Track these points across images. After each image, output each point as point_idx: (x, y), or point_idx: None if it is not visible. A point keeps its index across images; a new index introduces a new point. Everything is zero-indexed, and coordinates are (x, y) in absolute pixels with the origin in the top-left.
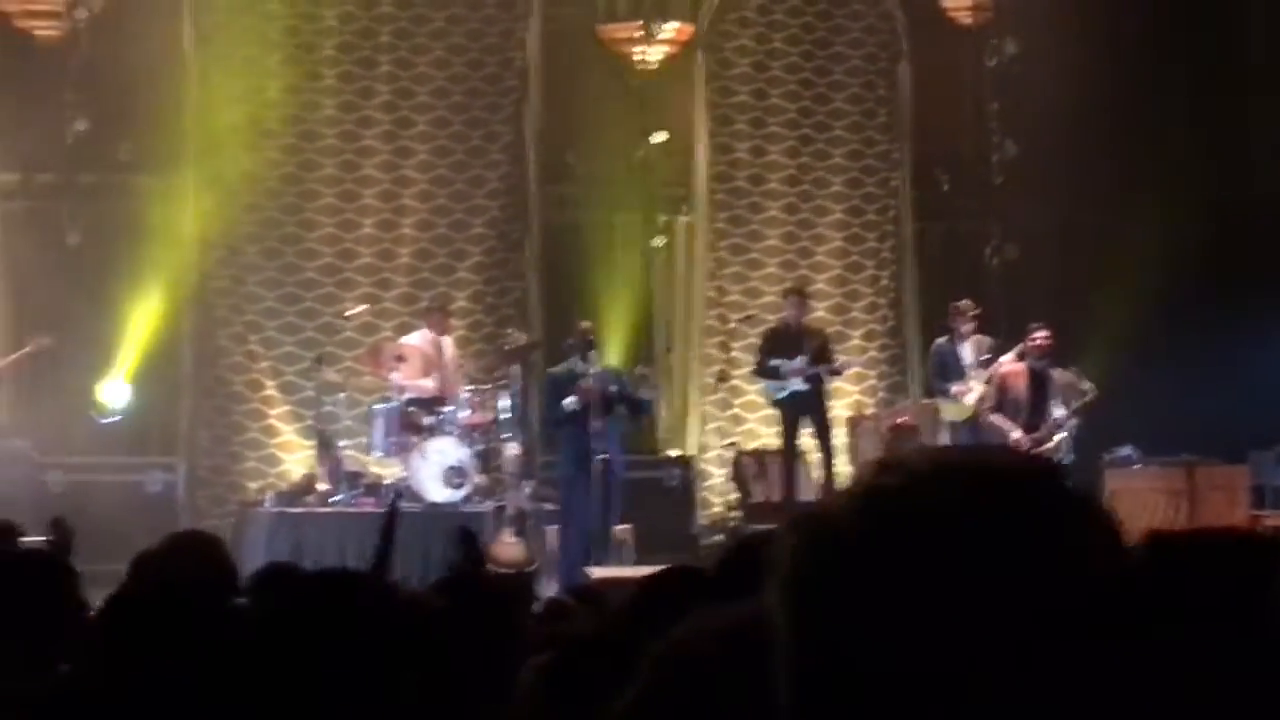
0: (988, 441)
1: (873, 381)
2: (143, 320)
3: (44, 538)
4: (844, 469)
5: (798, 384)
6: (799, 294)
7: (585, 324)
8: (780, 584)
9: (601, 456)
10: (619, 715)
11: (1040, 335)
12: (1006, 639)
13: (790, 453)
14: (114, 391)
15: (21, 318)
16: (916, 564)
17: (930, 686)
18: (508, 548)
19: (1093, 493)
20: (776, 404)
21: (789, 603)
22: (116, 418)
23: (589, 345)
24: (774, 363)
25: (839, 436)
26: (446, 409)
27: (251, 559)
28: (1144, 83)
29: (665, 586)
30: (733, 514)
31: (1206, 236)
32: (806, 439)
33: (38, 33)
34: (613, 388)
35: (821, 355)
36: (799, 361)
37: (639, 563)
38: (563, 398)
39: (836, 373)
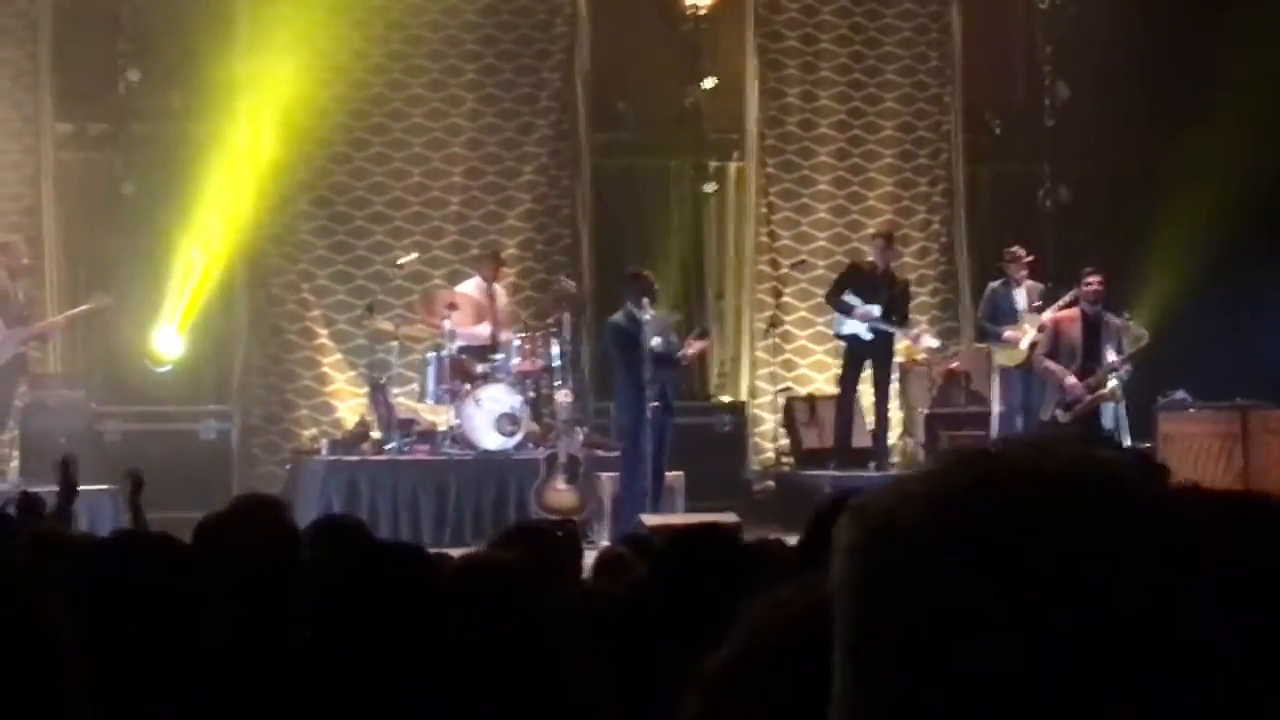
0: (1041, 387)
1: (923, 326)
2: (196, 269)
3: (104, 485)
4: (895, 412)
5: (863, 330)
6: (886, 238)
7: (644, 271)
8: (840, 576)
9: (654, 404)
10: (713, 673)
11: (1093, 279)
12: (1066, 651)
13: (847, 395)
14: (168, 340)
15: (76, 267)
16: (981, 573)
17: (984, 691)
18: (559, 495)
19: (1159, 498)
20: (843, 339)
21: (848, 596)
22: (171, 367)
23: (647, 292)
24: (849, 299)
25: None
26: (498, 356)
27: (306, 507)
28: (1198, 21)
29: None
30: (784, 460)
31: (1261, 178)
32: (864, 385)
33: None
34: (662, 338)
35: (896, 306)
36: (875, 309)
37: (689, 509)
38: (626, 343)
39: (918, 346)
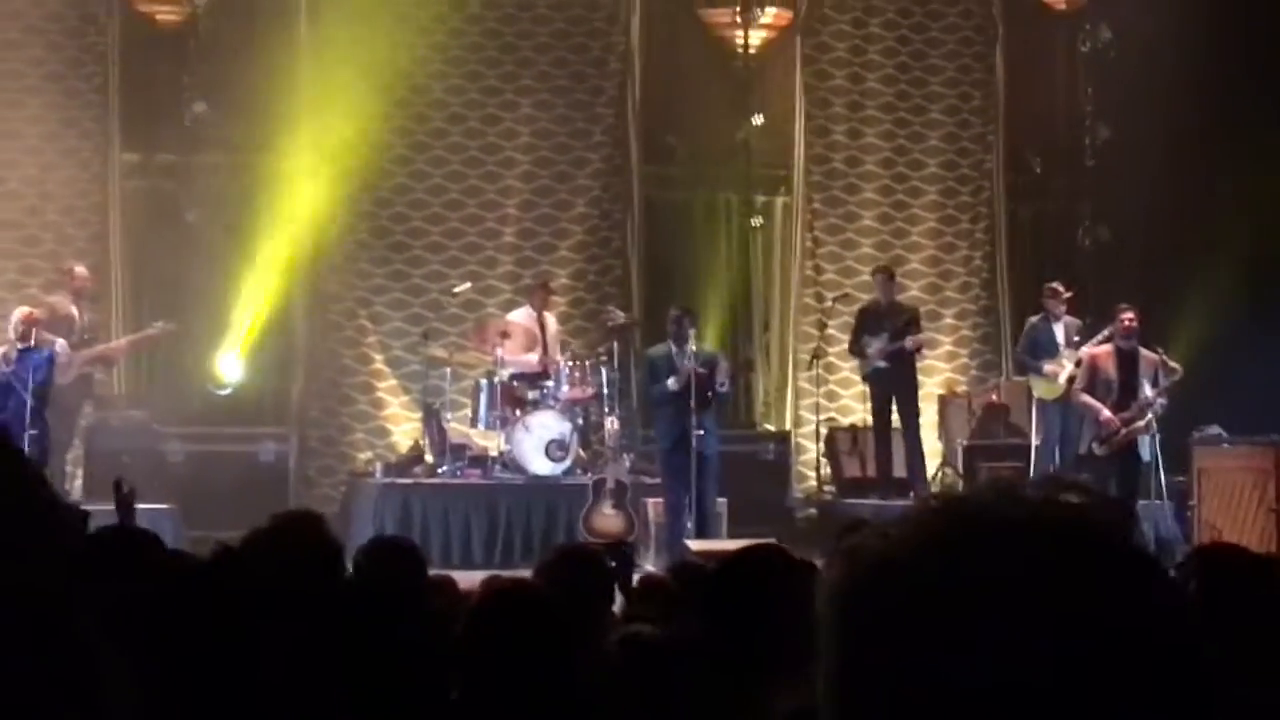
0: (1078, 420)
1: (965, 360)
2: (257, 296)
3: (166, 505)
4: (935, 444)
5: (880, 361)
6: (884, 273)
7: (684, 308)
8: (825, 615)
9: (698, 433)
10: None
11: (1127, 316)
12: (1047, 696)
13: (881, 430)
14: (229, 364)
15: (140, 292)
16: (963, 622)
17: (949, 713)
18: (607, 519)
19: (1151, 552)
20: (865, 380)
21: (834, 628)
22: (231, 390)
23: (687, 329)
24: (863, 342)
25: (928, 413)
26: (548, 383)
27: (360, 528)
28: (1237, 68)
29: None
30: (826, 488)
31: None
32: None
33: (158, 17)
34: (702, 370)
35: (903, 332)
36: (882, 339)
37: (732, 535)
38: (659, 378)
39: (911, 349)
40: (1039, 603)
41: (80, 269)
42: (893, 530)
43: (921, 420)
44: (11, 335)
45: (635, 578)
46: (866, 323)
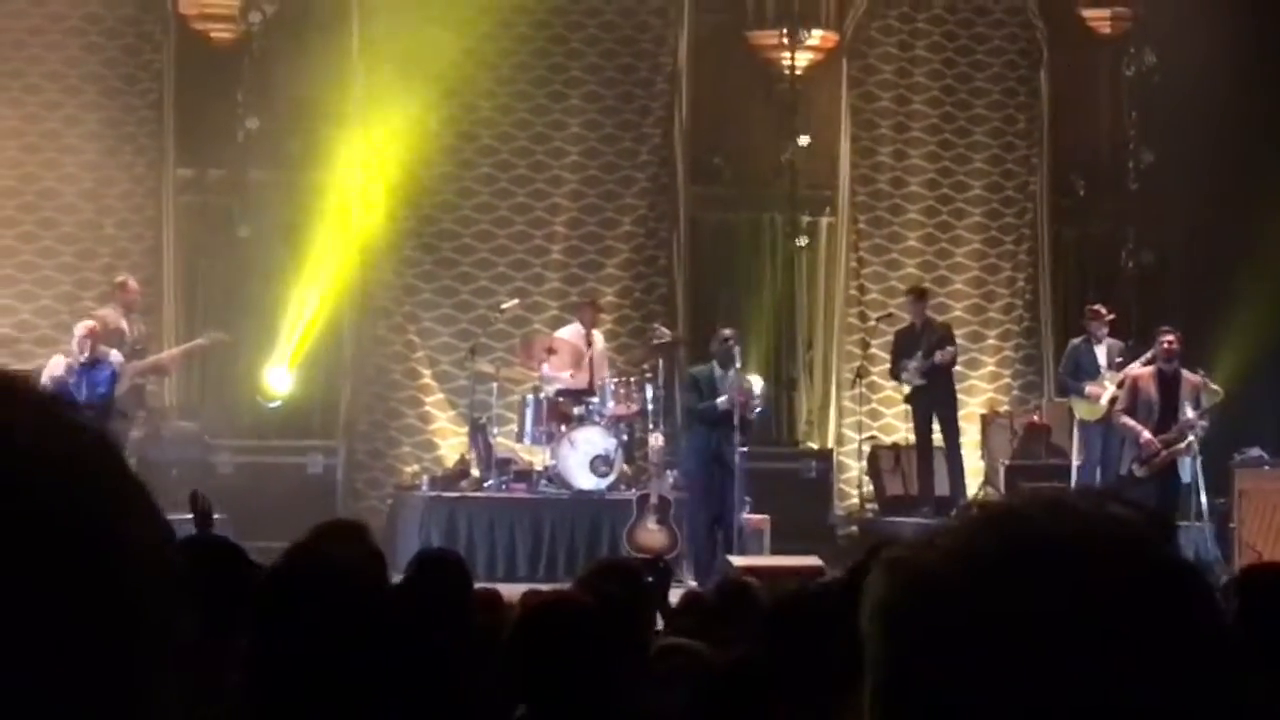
0: (1119, 441)
1: (1007, 380)
2: (307, 310)
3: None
4: (977, 464)
5: (917, 379)
6: (913, 293)
7: (728, 331)
8: (869, 628)
9: (741, 450)
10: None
11: (1169, 339)
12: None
13: (923, 448)
14: (279, 378)
15: (193, 305)
16: (1007, 637)
17: None
18: (650, 534)
19: (1195, 568)
20: (907, 400)
21: (879, 643)
22: (281, 402)
23: (730, 351)
24: (901, 364)
25: (970, 433)
26: (594, 400)
27: (406, 541)
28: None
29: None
30: (868, 506)
31: None
32: (938, 434)
33: (213, 35)
34: (742, 399)
35: (935, 349)
36: (917, 359)
37: (774, 552)
38: (703, 397)
39: (940, 362)
40: (1085, 621)
41: (132, 282)
42: (937, 541)
43: (963, 439)
44: (75, 349)
45: (677, 593)
46: (903, 345)
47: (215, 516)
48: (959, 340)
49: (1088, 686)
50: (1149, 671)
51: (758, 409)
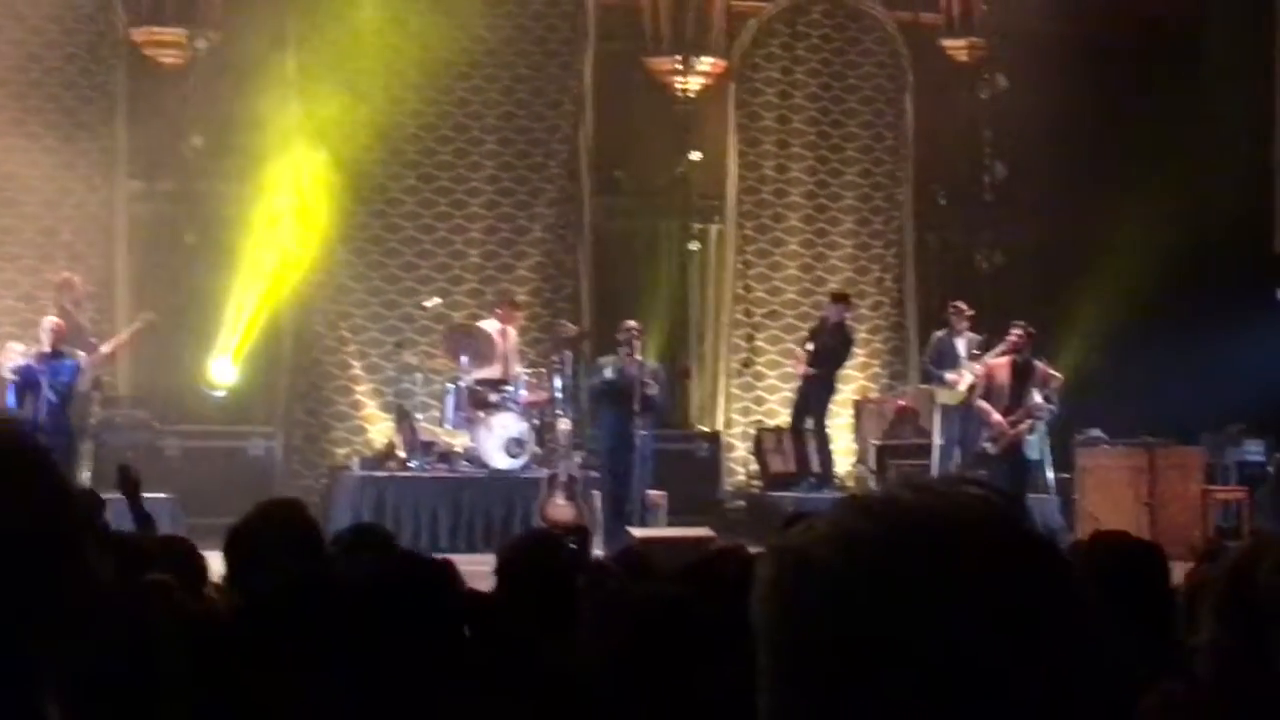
0: (975, 423)
1: (877, 369)
2: (248, 308)
3: (164, 494)
4: (851, 444)
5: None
6: (831, 298)
7: (631, 323)
8: (761, 606)
9: (642, 434)
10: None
11: (1021, 332)
12: (965, 676)
13: (796, 431)
14: (222, 369)
15: (143, 305)
16: (882, 606)
17: (876, 701)
18: (559, 509)
19: (1045, 535)
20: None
21: (768, 626)
22: (224, 392)
23: (632, 341)
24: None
25: (845, 417)
26: (508, 388)
27: (339, 516)
28: (1116, 115)
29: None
30: (753, 482)
31: (1169, 248)
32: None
33: (162, 60)
34: (647, 381)
35: (826, 347)
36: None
37: (670, 524)
38: (604, 383)
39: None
40: (954, 587)
41: (76, 277)
42: (817, 526)
43: (837, 422)
44: (43, 339)
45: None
46: (812, 337)
47: (162, 496)
48: None
49: (960, 647)
50: (1013, 629)
51: (650, 388)
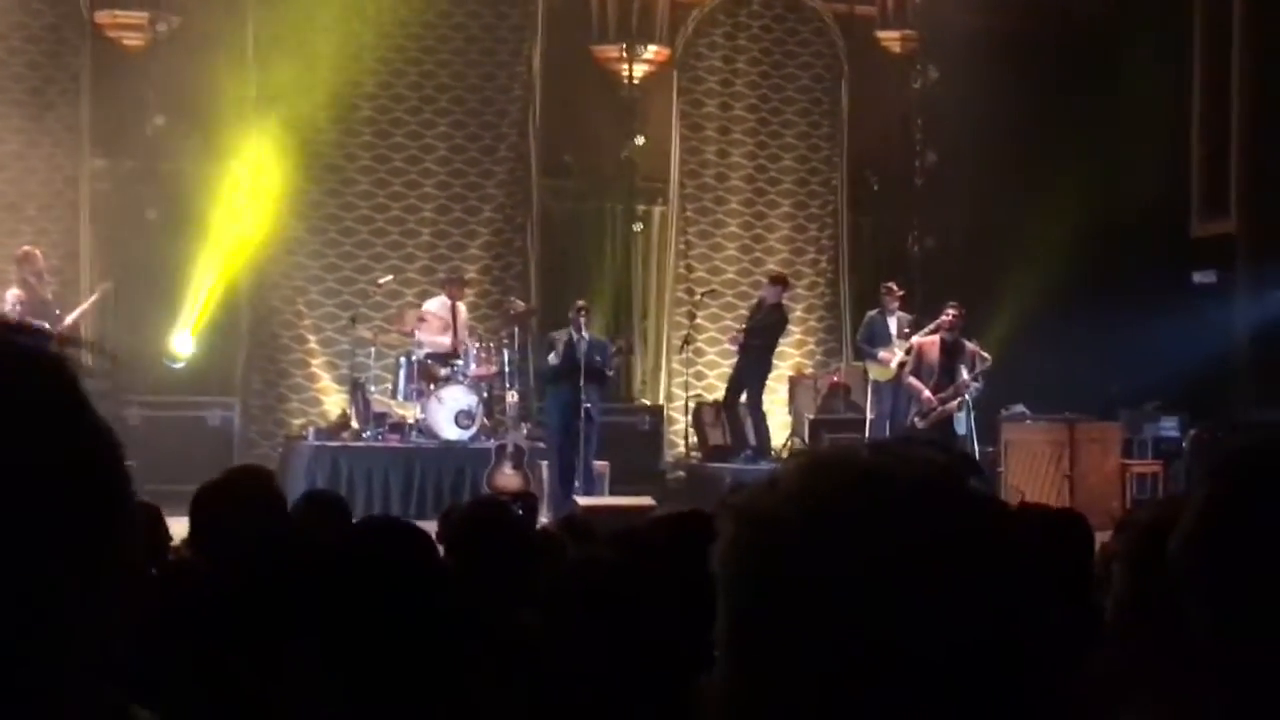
0: (905, 399)
1: (812, 347)
2: (207, 283)
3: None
4: (786, 418)
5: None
6: (769, 279)
7: (581, 301)
8: (723, 565)
9: (586, 406)
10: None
11: (951, 312)
12: (920, 626)
13: (729, 407)
14: (182, 342)
15: (106, 279)
16: (843, 562)
17: (843, 664)
18: (507, 478)
19: (988, 492)
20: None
21: (730, 584)
22: (184, 364)
23: (581, 318)
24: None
25: (780, 392)
26: (458, 362)
27: (295, 484)
28: (1041, 106)
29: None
30: (693, 454)
31: (1092, 232)
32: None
33: (125, 42)
34: (597, 357)
35: (754, 326)
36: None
37: (614, 493)
38: (553, 357)
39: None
40: (912, 544)
41: (36, 250)
42: (777, 485)
43: (773, 397)
44: (7, 309)
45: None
46: (751, 315)
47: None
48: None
49: (916, 604)
50: (972, 583)
51: (610, 369)
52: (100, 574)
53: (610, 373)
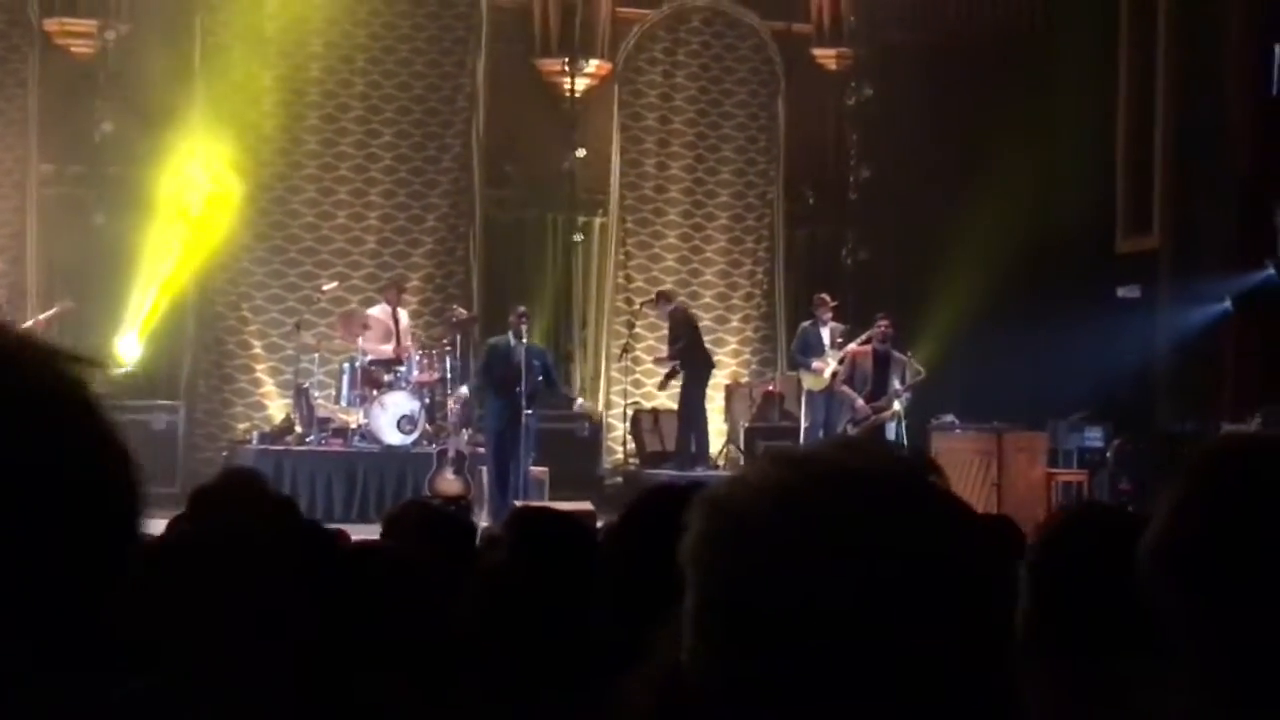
0: (839, 407)
1: (747, 356)
2: (154, 288)
3: None
4: (721, 425)
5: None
6: (655, 301)
7: (521, 309)
8: (693, 559)
9: (527, 413)
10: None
11: (884, 323)
12: (885, 613)
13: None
14: (128, 346)
15: (53, 284)
16: (816, 554)
17: (807, 654)
18: (448, 483)
19: (945, 488)
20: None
21: (701, 578)
22: (130, 368)
23: (522, 325)
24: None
25: (717, 400)
26: (401, 368)
27: None
28: (972, 123)
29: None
30: (631, 460)
31: (1018, 247)
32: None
33: (73, 49)
34: (535, 362)
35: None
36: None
37: (553, 499)
38: (494, 366)
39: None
40: (877, 536)
41: None
42: (747, 478)
43: (710, 405)
44: None
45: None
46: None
47: None
48: (708, 322)
49: (889, 595)
50: (937, 573)
51: (539, 368)
52: (104, 590)
53: (549, 383)
